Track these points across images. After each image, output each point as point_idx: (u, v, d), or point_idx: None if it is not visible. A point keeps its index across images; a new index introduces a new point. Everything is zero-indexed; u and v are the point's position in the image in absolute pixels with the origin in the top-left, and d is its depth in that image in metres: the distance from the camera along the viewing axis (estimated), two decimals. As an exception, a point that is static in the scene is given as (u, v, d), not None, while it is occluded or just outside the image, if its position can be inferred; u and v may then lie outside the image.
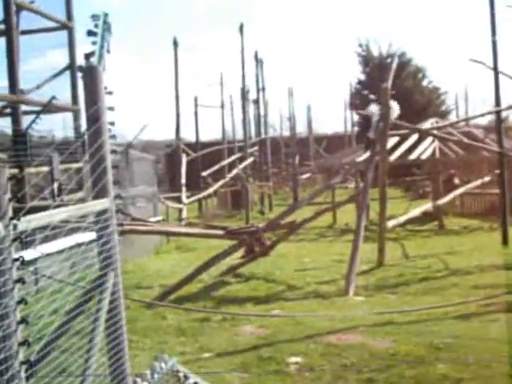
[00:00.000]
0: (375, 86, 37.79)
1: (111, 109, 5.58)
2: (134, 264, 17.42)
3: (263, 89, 40.44)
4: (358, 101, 48.51)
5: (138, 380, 6.31)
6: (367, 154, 18.46)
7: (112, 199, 5.47)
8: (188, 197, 30.40)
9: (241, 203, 31.16)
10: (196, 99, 40.02)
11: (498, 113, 20.50)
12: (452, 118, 46.14)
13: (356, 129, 49.70)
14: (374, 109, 17.73)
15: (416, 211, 22.28)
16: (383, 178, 16.79)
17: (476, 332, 10.15)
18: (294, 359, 8.97)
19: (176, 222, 25.16)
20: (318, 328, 10.23)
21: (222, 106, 41.87)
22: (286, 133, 48.01)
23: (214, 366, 8.83)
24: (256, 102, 40.16)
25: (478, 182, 23.80)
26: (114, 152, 5.57)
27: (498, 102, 19.95)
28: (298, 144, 44.42)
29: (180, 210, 28.03)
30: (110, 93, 5.62)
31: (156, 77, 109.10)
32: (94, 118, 5.37)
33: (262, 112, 41.03)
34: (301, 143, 45.78)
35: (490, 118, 33.37)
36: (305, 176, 40.82)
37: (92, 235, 5.57)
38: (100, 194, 5.36)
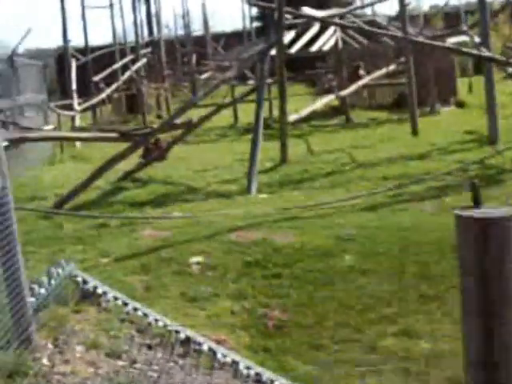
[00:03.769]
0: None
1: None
2: (26, 176, 16.98)
3: (154, -15, 39.46)
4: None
5: (35, 287, 6.28)
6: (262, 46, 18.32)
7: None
8: (80, 104, 29.68)
9: (137, 108, 30.71)
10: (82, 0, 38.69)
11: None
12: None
13: (255, 24, 49.15)
14: None
15: (317, 104, 22.11)
16: (281, 69, 16.77)
17: (382, 222, 10.44)
18: (195, 259, 9.06)
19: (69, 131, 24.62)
20: (219, 227, 10.32)
21: (111, 6, 40.69)
22: (182, 32, 47.08)
23: (114, 271, 8.86)
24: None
25: (383, 70, 23.92)
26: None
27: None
28: (195, 43, 43.70)
29: (73, 118, 27.39)
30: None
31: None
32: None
33: (154, 10, 40.12)
34: (197, 42, 45.00)
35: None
36: (204, 76, 40.34)
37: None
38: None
